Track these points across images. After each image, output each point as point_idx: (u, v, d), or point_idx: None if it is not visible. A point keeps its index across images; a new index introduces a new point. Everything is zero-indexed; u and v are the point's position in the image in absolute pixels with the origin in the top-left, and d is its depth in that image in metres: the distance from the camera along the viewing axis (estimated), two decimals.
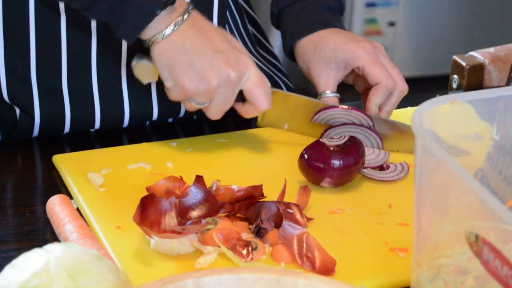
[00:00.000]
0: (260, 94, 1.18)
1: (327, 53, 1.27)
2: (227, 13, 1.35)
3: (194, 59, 1.13)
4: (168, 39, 1.14)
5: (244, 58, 1.16)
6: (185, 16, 1.14)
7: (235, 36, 1.39)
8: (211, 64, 1.13)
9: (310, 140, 1.18)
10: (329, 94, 1.26)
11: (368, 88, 1.28)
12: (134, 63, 1.20)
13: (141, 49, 1.18)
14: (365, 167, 1.17)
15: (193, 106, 1.18)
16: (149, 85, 1.28)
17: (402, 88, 1.27)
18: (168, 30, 1.14)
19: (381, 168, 1.19)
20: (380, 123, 1.25)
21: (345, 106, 1.24)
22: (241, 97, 1.19)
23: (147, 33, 1.14)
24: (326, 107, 1.24)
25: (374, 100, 1.25)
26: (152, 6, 1.12)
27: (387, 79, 1.25)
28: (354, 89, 1.33)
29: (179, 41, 1.14)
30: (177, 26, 1.14)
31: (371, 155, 1.20)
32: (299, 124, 1.27)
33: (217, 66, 1.14)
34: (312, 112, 1.25)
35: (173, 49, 1.14)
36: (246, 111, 1.21)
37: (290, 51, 1.34)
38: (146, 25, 1.13)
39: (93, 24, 1.23)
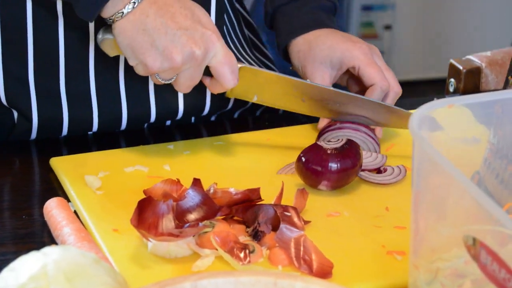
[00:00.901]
0: (226, 73, 1.15)
1: (323, 52, 1.28)
2: (225, 16, 1.35)
3: (156, 38, 1.11)
4: (127, 19, 1.11)
5: (210, 34, 1.13)
6: None
7: (232, 39, 1.39)
8: (173, 42, 1.11)
9: (307, 143, 1.19)
10: None
11: (361, 90, 1.29)
12: (100, 37, 1.17)
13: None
14: (363, 170, 1.18)
15: (160, 81, 1.16)
16: (147, 87, 1.29)
17: (397, 90, 1.28)
18: (126, 9, 1.11)
19: (378, 171, 1.20)
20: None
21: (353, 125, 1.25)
22: (209, 71, 1.17)
23: (106, 12, 1.12)
24: (332, 127, 1.24)
25: None
26: None
27: (382, 80, 1.25)
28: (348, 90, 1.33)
29: (139, 20, 1.11)
30: (136, 5, 1.11)
31: (369, 158, 1.20)
32: (269, 97, 1.25)
33: (180, 44, 1.11)
34: (283, 86, 1.23)
35: (133, 29, 1.11)
36: (213, 87, 1.19)
37: (284, 50, 1.34)
38: (104, 4, 1.11)
39: (91, 26, 1.23)
